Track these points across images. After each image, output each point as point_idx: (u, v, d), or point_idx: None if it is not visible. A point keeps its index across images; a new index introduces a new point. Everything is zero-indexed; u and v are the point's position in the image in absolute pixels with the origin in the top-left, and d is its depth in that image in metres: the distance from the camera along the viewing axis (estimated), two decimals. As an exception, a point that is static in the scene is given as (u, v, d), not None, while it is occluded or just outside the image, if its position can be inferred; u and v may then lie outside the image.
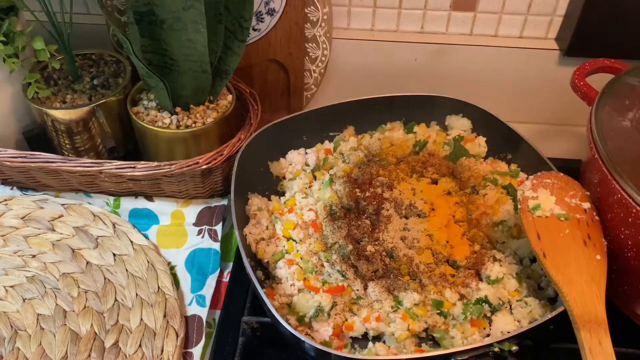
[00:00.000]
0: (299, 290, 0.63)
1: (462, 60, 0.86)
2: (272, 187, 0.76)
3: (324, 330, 0.60)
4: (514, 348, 0.56)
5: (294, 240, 0.68)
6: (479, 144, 0.78)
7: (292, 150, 0.77)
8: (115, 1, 0.80)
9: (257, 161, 0.74)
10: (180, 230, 0.73)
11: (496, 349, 0.55)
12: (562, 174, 0.63)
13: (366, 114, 0.80)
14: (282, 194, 0.75)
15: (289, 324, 0.55)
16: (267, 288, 0.63)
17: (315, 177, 0.75)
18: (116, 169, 0.69)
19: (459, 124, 0.79)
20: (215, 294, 0.68)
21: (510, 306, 0.63)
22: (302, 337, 0.54)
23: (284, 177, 0.76)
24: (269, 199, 0.73)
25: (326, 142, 0.79)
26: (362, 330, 0.61)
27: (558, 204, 0.59)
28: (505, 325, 0.61)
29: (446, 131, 0.80)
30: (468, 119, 0.79)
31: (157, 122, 0.73)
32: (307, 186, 0.73)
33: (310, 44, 0.84)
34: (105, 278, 0.68)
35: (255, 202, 0.71)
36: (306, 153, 0.78)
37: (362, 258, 0.64)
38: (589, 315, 0.51)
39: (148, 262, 0.69)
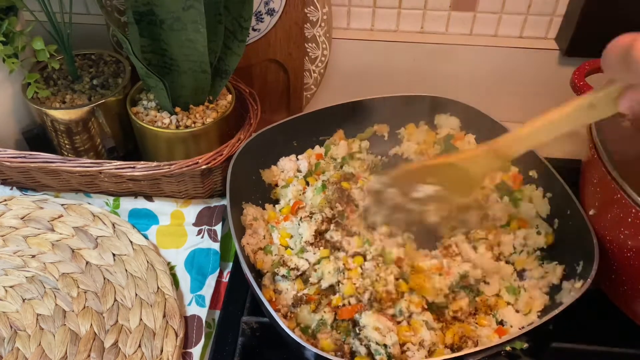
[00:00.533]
0: (300, 300, 0.63)
1: (462, 60, 0.86)
2: (265, 195, 0.75)
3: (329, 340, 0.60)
4: (525, 346, 0.56)
5: (292, 249, 0.68)
6: (469, 142, 0.78)
7: (283, 157, 0.77)
8: (114, 1, 0.80)
9: (248, 170, 0.73)
10: (179, 231, 0.73)
11: (508, 348, 0.55)
12: None
13: (355, 116, 0.79)
14: (276, 201, 0.75)
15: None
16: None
17: (308, 183, 0.74)
18: (116, 169, 0.69)
19: (448, 123, 0.79)
20: (215, 294, 0.68)
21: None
22: (304, 344, 0.53)
23: (276, 185, 0.76)
24: (263, 208, 0.73)
25: (317, 146, 0.79)
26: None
27: None
28: (512, 319, 0.61)
29: (435, 130, 0.80)
30: (456, 118, 0.79)
31: (156, 122, 0.73)
32: (301, 193, 0.73)
33: (309, 44, 0.84)
34: (104, 278, 0.68)
35: (251, 212, 0.70)
36: (297, 159, 0.77)
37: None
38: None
39: (147, 262, 0.69)
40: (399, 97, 0.78)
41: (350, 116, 0.79)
